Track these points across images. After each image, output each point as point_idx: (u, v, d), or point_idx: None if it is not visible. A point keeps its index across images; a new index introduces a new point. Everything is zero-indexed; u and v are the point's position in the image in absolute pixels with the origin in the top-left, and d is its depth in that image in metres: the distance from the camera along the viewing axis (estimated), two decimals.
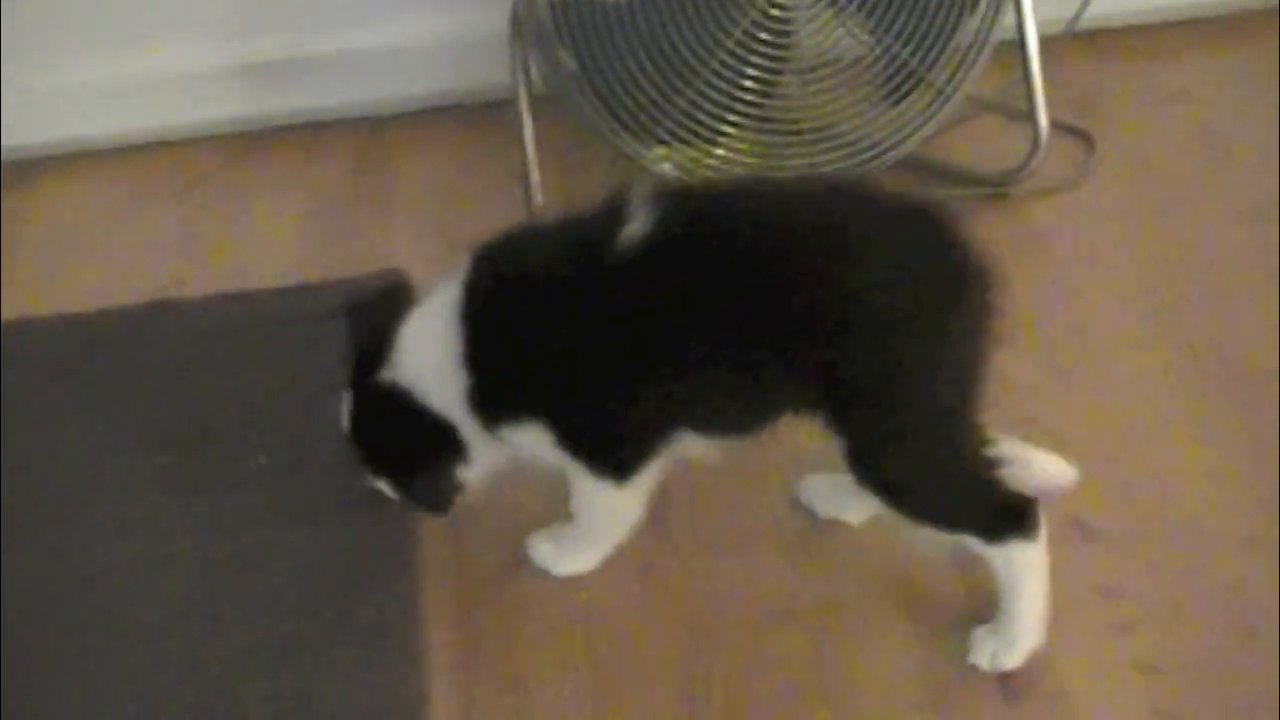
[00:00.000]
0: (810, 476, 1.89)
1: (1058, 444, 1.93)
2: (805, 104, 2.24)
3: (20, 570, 1.89)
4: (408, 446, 1.77)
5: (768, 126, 2.23)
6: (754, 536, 1.88)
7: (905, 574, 1.82)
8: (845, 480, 1.68)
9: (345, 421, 1.79)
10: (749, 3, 2.15)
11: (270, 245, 2.41)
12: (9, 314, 2.29)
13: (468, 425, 1.73)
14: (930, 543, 1.71)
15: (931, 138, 2.29)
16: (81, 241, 2.46)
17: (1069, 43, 2.51)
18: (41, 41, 2.52)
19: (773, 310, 1.58)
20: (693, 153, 2.22)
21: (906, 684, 1.71)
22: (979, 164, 2.40)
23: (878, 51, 2.22)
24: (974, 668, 1.70)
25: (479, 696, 1.75)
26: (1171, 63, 2.60)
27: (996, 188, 2.35)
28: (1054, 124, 2.36)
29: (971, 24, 2.21)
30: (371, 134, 2.62)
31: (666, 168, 2.22)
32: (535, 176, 2.32)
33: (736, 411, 1.68)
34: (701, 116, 2.19)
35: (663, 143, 2.20)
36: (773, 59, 2.19)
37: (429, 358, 1.71)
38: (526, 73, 2.31)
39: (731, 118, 2.21)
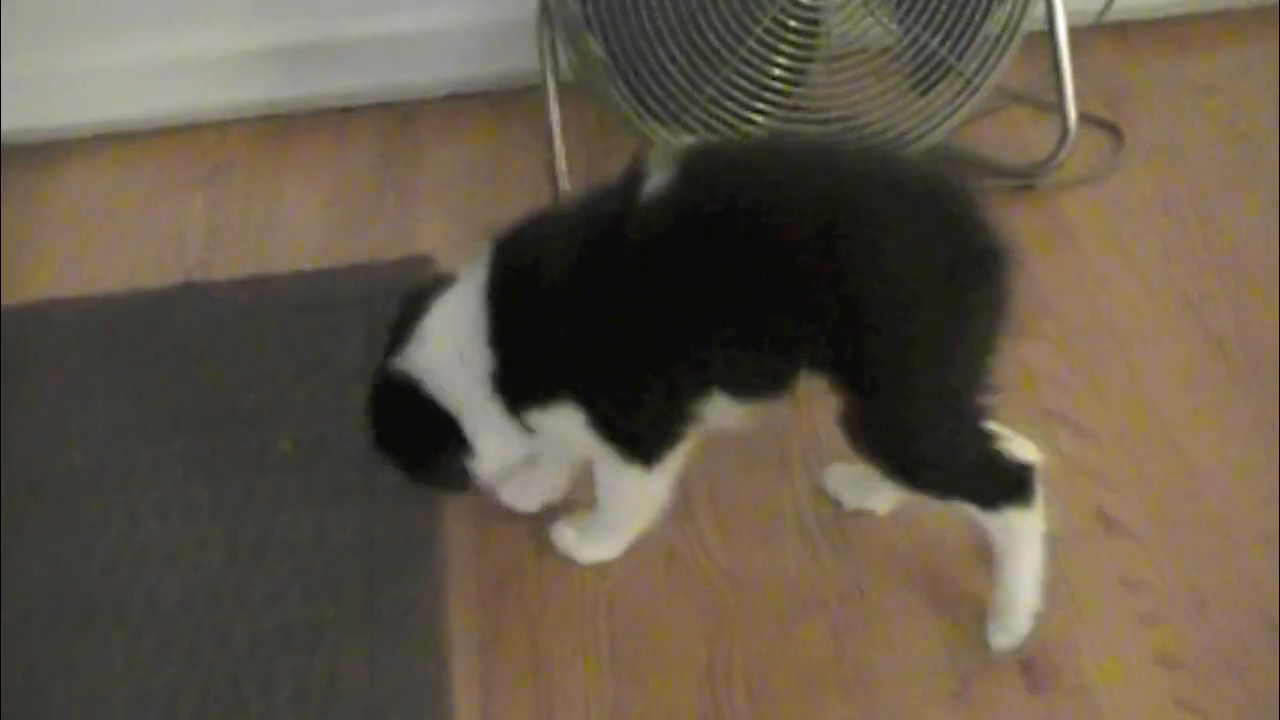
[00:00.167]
0: (835, 465, 1.89)
1: (1082, 436, 1.94)
2: (833, 93, 2.23)
3: (45, 552, 1.90)
4: (413, 437, 1.78)
5: (795, 115, 2.22)
6: (777, 525, 1.88)
7: (929, 564, 1.82)
8: (870, 469, 1.69)
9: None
10: None
11: (297, 230, 2.42)
12: (35, 295, 2.30)
13: (489, 412, 1.72)
14: (956, 526, 1.72)
15: (959, 128, 2.28)
16: (108, 224, 2.47)
17: (1098, 34, 2.50)
18: (72, 23, 2.53)
19: (794, 274, 1.57)
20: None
21: (929, 674, 1.71)
22: (1007, 155, 2.39)
23: (906, 41, 2.21)
24: (997, 658, 1.70)
25: (501, 681, 1.75)
26: (1200, 55, 2.59)
27: (1024, 179, 2.34)
28: (1083, 116, 2.35)
29: (1001, 14, 2.20)
30: (399, 119, 2.62)
31: None
32: (562, 164, 2.32)
33: (760, 373, 1.66)
34: (729, 105, 2.19)
35: (690, 131, 2.20)
36: (801, 47, 2.19)
37: (450, 346, 1.71)
38: (554, 59, 2.31)
39: (759, 106, 2.20)
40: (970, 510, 1.68)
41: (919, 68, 2.22)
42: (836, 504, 1.88)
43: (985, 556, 1.78)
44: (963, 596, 1.78)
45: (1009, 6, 2.20)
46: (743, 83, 2.18)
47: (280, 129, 2.63)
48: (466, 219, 2.36)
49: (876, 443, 1.64)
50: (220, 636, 1.79)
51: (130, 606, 1.83)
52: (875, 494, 1.85)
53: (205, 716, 1.72)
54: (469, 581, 1.85)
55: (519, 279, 1.68)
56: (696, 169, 1.62)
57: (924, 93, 2.24)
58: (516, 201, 2.30)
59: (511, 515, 1.91)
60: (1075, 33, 2.33)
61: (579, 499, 1.86)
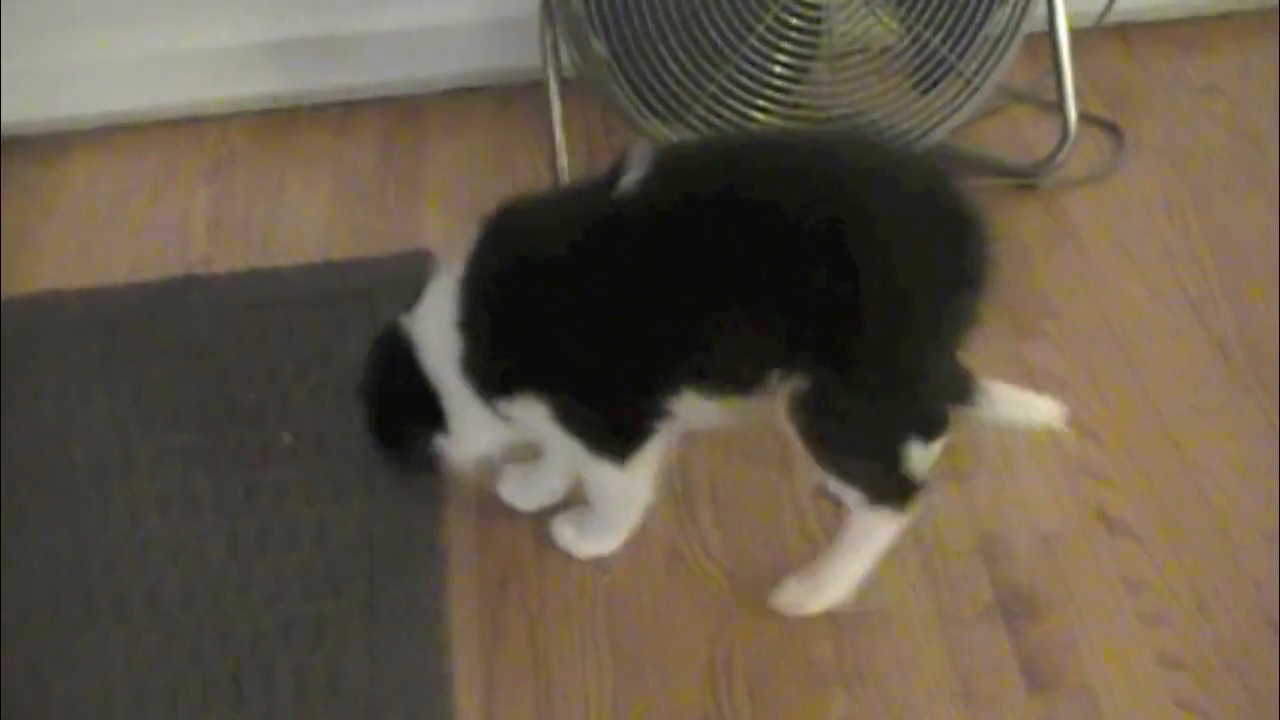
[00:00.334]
0: None
1: (1083, 435, 1.94)
2: (835, 91, 2.23)
3: (44, 544, 1.90)
4: (393, 398, 1.79)
5: (797, 114, 2.22)
6: (778, 523, 1.88)
7: (931, 562, 1.82)
8: None
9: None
10: None
11: (299, 224, 2.41)
12: (37, 287, 2.30)
13: (464, 395, 1.72)
14: (956, 524, 1.72)
15: (961, 127, 2.28)
16: (111, 216, 2.46)
17: (1100, 35, 2.51)
18: (75, 16, 2.52)
19: (765, 266, 1.56)
20: None
21: (930, 672, 1.71)
22: (1008, 154, 2.40)
23: (908, 39, 2.21)
24: (998, 656, 1.71)
25: (502, 678, 1.75)
26: (1202, 56, 2.60)
27: (1025, 178, 2.35)
28: (1083, 116, 2.35)
29: (1002, 14, 2.20)
30: (402, 114, 2.61)
31: None
32: (563, 159, 2.33)
33: (727, 369, 1.65)
34: (731, 103, 2.19)
35: (692, 128, 2.20)
36: (803, 46, 2.18)
37: (435, 322, 1.71)
38: (556, 56, 2.31)
39: (761, 104, 2.20)
40: (851, 496, 1.69)
41: (920, 67, 2.22)
42: (836, 503, 1.88)
43: (986, 555, 1.79)
44: (965, 595, 1.78)
45: (1010, 7, 2.20)
46: (744, 80, 2.18)
47: (283, 123, 2.62)
48: (468, 214, 2.31)
49: (809, 422, 1.63)
50: (221, 633, 1.79)
51: (131, 602, 1.83)
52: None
53: (206, 713, 1.72)
54: (470, 579, 1.85)
55: (487, 267, 1.68)
56: (670, 167, 1.62)
57: (925, 92, 2.24)
58: None
59: (512, 513, 1.91)
60: (1077, 34, 2.33)
61: (581, 495, 1.86)
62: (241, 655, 1.76)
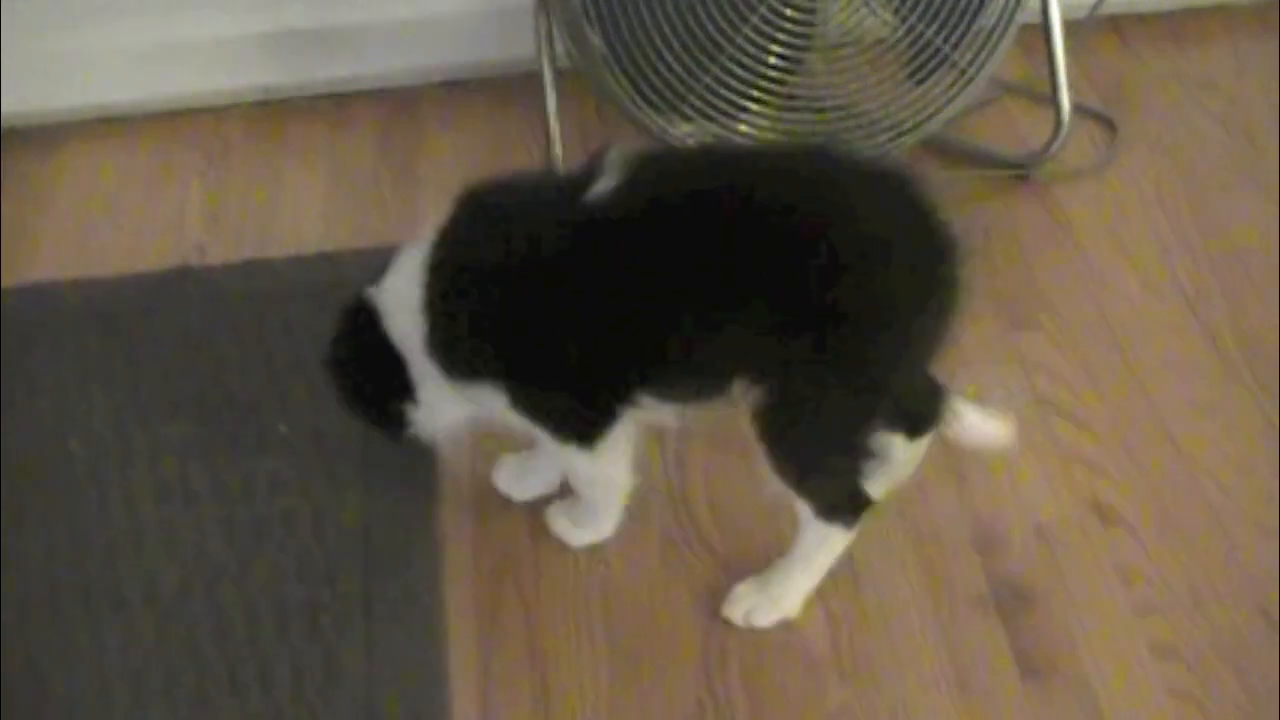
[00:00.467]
0: None
1: (1078, 427, 1.95)
2: (829, 82, 2.23)
3: (42, 537, 1.90)
4: (361, 368, 1.79)
5: (791, 104, 2.22)
6: (773, 513, 1.87)
7: (926, 553, 1.83)
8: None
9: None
10: None
11: (295, 215, 2.41)
12: (33, 278, 2.30)
13: (426, 369, 1.72)
14: (953, 518, 1.72)
15: (955, 119, 2.28)
16: (105, 208, 2.46)
17: (1095, 28, 2.51)
18: (72, 7, 2.51)
19: (732, 273, 1.55)
20: (716, 129, 2.22)
21: (926, 662, 1.72)
22: (1002, 146, 2.40)
23: (902, 31, 2.22)
24: (993, 647, 1.72)
25: (498, 667, 1.76)
26: (1197, 49, 2.60)
27: (1018, 170, 2.35)
28: (1077, 108, 2.35)
29: (996, 5, 2.20)
30: (398, 106, 2.61)
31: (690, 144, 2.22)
32: (558, 150, 2.33)
33: (690, 375, 1.65)
34: (726, 93, 2.19)
35: (687, 119, 2.20)
36: (797, 36, 2.19)
37: (402, 296, 1.71)
38: (551, 47, 2.31)
39: (755, 95, 2.20)
40: (802, 509, 1.69)
41: (915, 58, 2.23)
42: None
43: (981, 547, 1.79)
44: (959, 585, 1.79)
45: None
46: (739, 71, 2.18)
47: (279, 114, 2.62)
48: None
49: (773, 434, 1.62)
50: (218, 622, 1.79)
51: (128, 593, 1.83)
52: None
53: (203, 702, 1.72)
54: (466, 568, 1.86)
55: (454, 257, 1.68)
56: (642, 176, 1.60)
57: (919, 83, 2.24)
58: None
59: (508, 503, 1.91)
60: (1072, 26, 2.34)
61: None
62: (238, 646, 1.76)
